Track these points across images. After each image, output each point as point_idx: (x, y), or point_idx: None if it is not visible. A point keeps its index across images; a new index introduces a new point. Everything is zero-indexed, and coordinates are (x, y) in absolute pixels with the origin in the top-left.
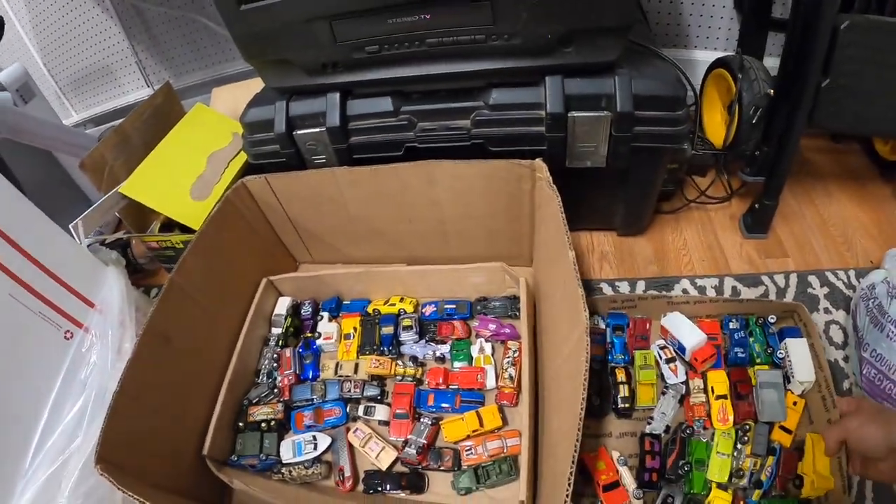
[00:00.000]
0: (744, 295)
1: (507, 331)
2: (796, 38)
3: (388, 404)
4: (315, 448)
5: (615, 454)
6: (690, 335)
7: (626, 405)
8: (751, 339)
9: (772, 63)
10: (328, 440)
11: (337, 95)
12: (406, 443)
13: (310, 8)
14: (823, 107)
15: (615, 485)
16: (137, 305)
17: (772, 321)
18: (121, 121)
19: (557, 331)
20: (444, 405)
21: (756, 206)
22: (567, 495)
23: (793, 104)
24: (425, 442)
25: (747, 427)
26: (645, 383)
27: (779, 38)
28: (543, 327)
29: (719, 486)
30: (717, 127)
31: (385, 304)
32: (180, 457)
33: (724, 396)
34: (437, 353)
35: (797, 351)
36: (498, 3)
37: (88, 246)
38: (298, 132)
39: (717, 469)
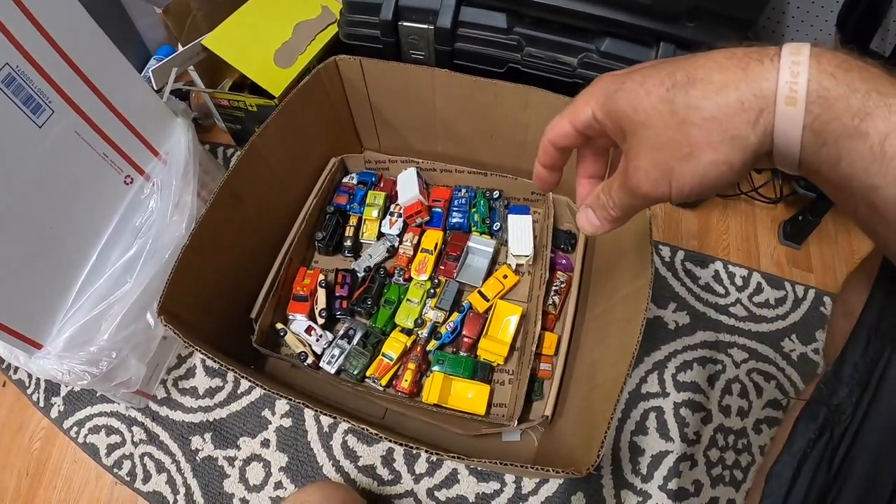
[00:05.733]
0: (766, 294)
1: (564, 262)
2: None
3: None
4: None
5: (322, 277)
6: (406, 191)
7: (349, 243)
8: (472, 210)
9: None
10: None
11: None
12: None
13: None
14: None
15: (304, 298)
16: (200, 160)
17: (496, 196)
18: None
19: (617, 275)
20: None
21: (799, 217)
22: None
23: None
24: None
25: (440, 282)
26: (369, 219)
27: None
28: (596, 269)
29: (402, 329)
30: None
31: None
32: (228, 315)
33: (430, 251)
34: None
35: (518, 226)
36: None
37: (158, 92)
38: (404, 24)
39: (405, 314)
